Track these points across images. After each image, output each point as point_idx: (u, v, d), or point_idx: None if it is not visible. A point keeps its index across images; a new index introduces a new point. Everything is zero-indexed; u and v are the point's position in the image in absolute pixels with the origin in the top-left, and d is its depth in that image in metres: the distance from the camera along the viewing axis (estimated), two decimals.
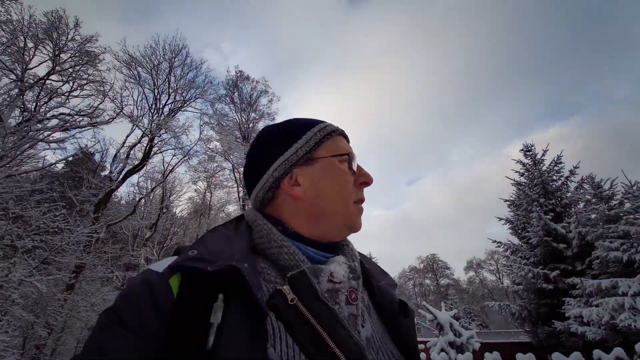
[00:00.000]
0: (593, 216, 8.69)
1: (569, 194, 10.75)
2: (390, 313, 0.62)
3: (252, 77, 19.72)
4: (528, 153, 12.12)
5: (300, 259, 0.55)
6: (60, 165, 18.13)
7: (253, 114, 19.29)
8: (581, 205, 10.39)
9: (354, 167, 0.67)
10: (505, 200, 12.33)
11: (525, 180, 11.80)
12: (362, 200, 0.66)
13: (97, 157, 20.31)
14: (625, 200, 8.42)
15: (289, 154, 0.65)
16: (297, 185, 0.64)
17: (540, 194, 10.97)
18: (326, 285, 0.53)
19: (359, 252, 0.68)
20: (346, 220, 0.63)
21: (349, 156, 0.67)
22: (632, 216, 7.74)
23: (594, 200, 9.23)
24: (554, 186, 11.01)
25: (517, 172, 12.24)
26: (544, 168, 11.56)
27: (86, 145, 14.95)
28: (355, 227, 0.64)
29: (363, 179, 0.66)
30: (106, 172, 18.11)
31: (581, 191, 10.29)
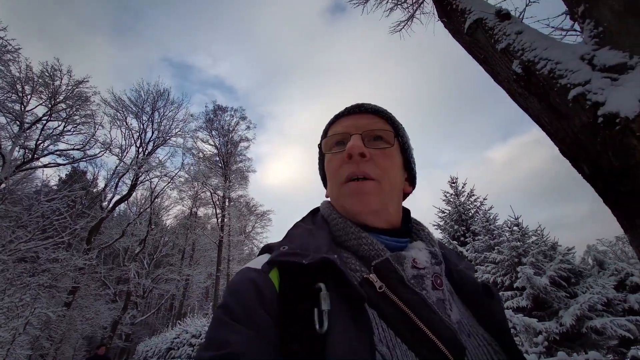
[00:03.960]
0: (482, 244, 11.10)
1: (473, 226, 13.16)
2: (474, 297, 0.60)
3: (229, 107, 21.93)
4: (453, 184, 14.53)
5: (380, 248, 0.55)
6: (53, 182, 20.07)
7: (231, 143, 21.46)
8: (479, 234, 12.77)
9: (335, 142, 0.67)
10: (434, 225, 14.75)
11: (449, 208, 14.18)
12: (351, 175, 0.60)
13: (89, 175, 22.38)
14: (505, 232, 10.82)
15: (319, 162, 0.75)
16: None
17: (456, 220, 13.38)
18: (411, 271, 0.53)
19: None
20: (341, 204, 0.62)
21: (323, 141, 0.69)
22: (502, 245, 10.15)
23: (483, 231, 11.64)
24: (468, 215, 13.41)
25: (444, 200, 14.64)
26: (462, 199, 13.96)
27: (78, 165, 17.05)
28: (348, 208, 0.61)
29: (345, 154, 0.61)
30: (99, 188, 20.20)
31: (477, 222, 12.66)
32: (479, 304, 0.60)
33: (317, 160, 0.76)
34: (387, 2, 3.88)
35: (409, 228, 0.65)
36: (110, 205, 15.69)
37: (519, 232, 9.88)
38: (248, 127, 22.41)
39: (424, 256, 0.56)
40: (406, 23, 4.13)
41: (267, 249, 0.60)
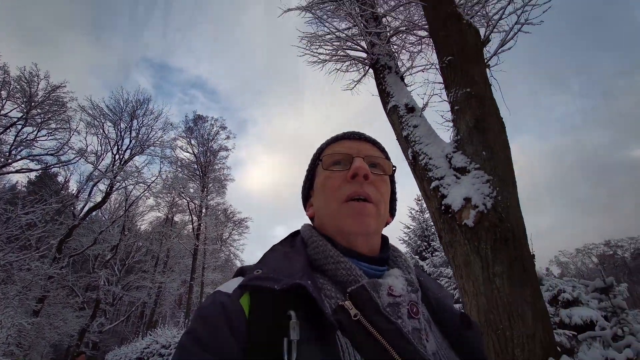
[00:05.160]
0: (439, 260, 12.18)
1: (434, 242, 14.30)
2: (451, 326, 0.60)
3: (209, 116, 22.30)
4: (418, 202, 15.67)
5: (358, 274, 0.54)
6: (22, 183, 19.60)
7: (210, 152, 21.79)
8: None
9: (334, 162, 0.67)
10: (399, 239, 15.80)
11: (414, 224, 15.29)
12: (352, 195, 0.60)
13: (60, 178, 21.93)
14: None
15: (305, 179, 0.75)
16: (312, 206, 0.70)
17: (419, 236, 14.49)
18: (386, 299, 0.52)
19: (413, 264, 0.66)
20: (336, 224, 0.61)
21: (323, 157, 0.69)
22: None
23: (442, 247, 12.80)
24: (430, 231, 14.54)
25: (409, 216, 15.76)
26: (426, 215, 15.13)
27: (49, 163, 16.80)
28: (345, 228, 0.60)
29: (350, 172, 0.62)
30: (70, 191, 19.84)
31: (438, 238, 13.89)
32: (457, 335, 0.59)
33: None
34: (340, 68, 4.72)
35: (387, 255, 0.64)
36: (83, 213, 15.65)
37: None
38: (228, 137, 22.84)
39: (400, 283, 0.55)
40: (356, 84, 4.98)
41: (241, 272, 0.59)
